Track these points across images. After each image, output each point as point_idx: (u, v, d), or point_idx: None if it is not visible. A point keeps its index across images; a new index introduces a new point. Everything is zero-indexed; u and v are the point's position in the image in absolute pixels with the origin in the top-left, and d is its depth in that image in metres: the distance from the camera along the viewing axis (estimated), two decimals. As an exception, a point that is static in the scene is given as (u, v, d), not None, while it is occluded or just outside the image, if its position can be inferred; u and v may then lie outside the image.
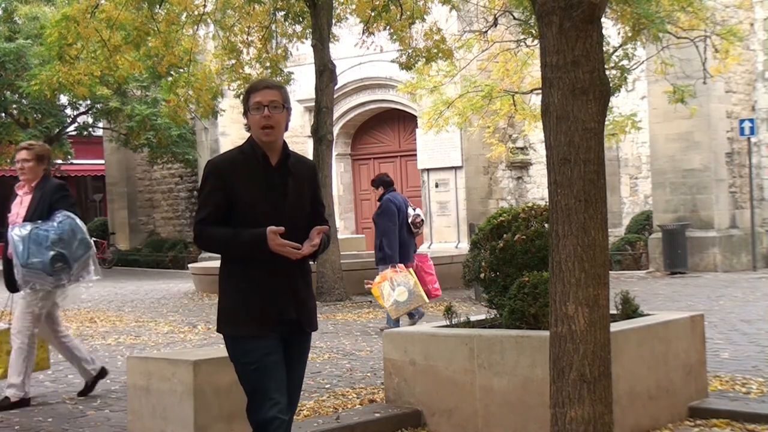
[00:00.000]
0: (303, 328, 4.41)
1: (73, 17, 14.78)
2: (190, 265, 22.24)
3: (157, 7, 15.44)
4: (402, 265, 11.50)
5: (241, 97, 4.41)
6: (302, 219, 4.35)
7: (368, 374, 8.51)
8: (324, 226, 4.38)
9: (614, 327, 5.28)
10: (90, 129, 29.71)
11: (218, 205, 4.28)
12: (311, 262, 4.48)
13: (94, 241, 30.54)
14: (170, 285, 21.88)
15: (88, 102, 26.69)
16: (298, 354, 4.46)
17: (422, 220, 12.35)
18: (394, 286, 11.10)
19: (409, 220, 12.11)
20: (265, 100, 4.29)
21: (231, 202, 4.27)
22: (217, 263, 18.67)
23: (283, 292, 4.31)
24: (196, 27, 17.09)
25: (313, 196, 4.48)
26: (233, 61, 17.48)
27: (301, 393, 7.58)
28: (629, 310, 6.72)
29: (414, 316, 11.61)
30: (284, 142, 4.44)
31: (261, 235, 4.16)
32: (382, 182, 12.41)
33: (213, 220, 4.29)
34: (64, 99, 26.69)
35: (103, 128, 30.52)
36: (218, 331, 4.38)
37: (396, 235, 11.92)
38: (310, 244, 4.26)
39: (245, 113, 4.39)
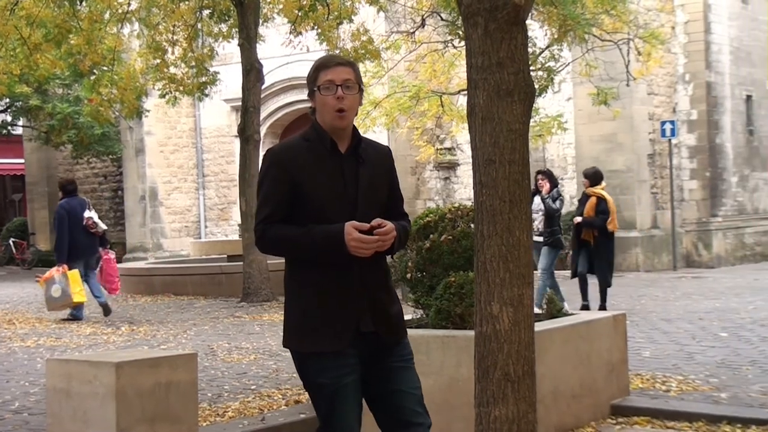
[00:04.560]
0: (385, 340, 3.78)
1: (-9, 14, 14.42)
2: (114, 266, 21.85)
3: (79, 4, 15.18)
4: (66, 266, 13.24)
5: (308, 74, 3.80)
6: (377, 213, 3.71)
7: (294, 375, 8.43)
8: (402, 221, 3.85)
9: (539, 326, 5.33)
10: (9, 128, 29.08)
11: (282, 201, 3.70)
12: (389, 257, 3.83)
13: (14, 241, 30.24)
14: (93, 286, 21.45)
15: (7, 100, 26.10)
16: (401, 361, 3.82)
17: (94, 222, 13.63)
18: (52, 283, 13.21)
19: (83, 223, 13.54)
20: (338, 78, 3.71)
21: (295, 196, 3.69)
22: (141, 264, 18.33)
23: (359, 298, 3.70)
24: (120, 25, 16.85)
25: (390, 186, 3.90)
26: (158, 60, 17.27)
27: (226, 394, 7.60)
28: (554, 310, 6.80)
29: (77, 315, 13.60)
30: (354, 127, 3.85)
31: (337, 231, 3.58)
32: (62, 189, 14.18)
33: (277, 218, 3.70)
34: (-20, 97, 26.08)
35: (23, 126, 29.89)
36: (284, 345, 3.79)
37: (64, 239, 13.44)
38: (382, 232, 3.62)
39: (311, 94, 3.79)
